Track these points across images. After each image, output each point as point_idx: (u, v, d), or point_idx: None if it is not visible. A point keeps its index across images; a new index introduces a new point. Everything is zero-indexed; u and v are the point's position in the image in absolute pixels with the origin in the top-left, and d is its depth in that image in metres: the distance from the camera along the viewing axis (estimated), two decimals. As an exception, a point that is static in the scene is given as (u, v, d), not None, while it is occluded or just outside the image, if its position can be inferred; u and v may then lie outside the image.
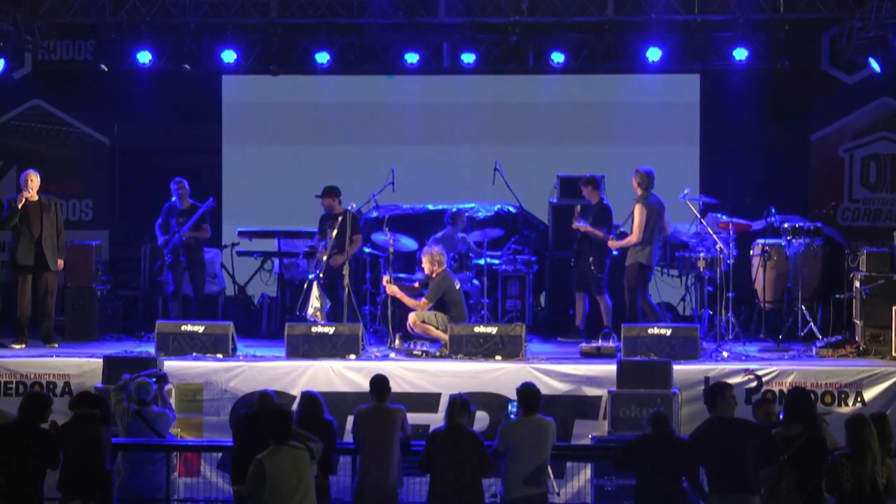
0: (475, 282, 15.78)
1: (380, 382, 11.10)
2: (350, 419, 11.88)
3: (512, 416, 11.29)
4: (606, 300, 15.26)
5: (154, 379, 12.44)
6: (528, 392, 10.84)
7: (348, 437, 11.70)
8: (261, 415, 10.68)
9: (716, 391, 10.33)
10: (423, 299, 14.54)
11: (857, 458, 9.40)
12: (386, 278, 14.77)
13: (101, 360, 13.38)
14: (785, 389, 13.04)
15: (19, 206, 14.66)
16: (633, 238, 14.89)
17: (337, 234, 14.80)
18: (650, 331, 14.07)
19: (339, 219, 14.87)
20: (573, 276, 15.55)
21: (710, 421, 10.23)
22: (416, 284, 14.82)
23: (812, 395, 12.96)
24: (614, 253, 15.27)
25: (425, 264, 14.69)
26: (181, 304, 15.56)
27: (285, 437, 9.49)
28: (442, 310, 14.50)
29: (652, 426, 10.39)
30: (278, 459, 9.34)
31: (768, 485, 9.96)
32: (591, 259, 15.20)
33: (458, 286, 14.76)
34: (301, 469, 9.40)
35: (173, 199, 15.66)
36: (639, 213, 14.89)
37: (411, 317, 14.51)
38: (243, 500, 10.54)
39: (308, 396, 11.14)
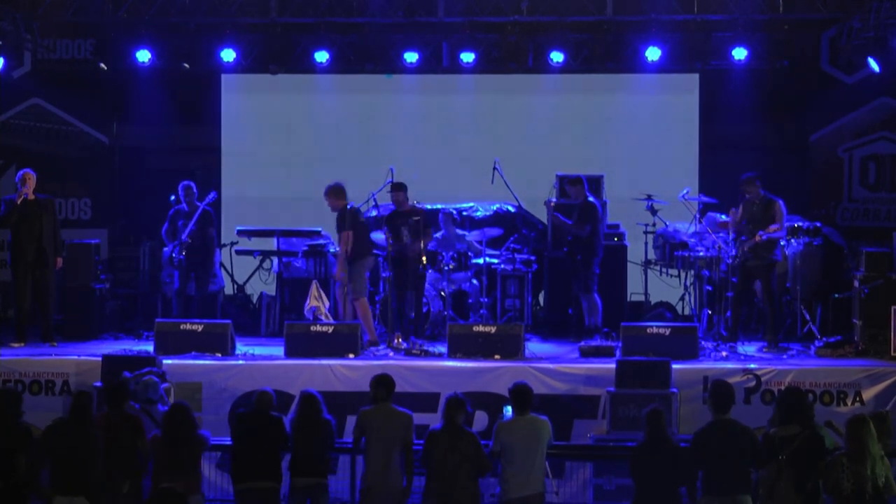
0: (474, 281, 15.78)
1: (382, 382, 11.02)
2: (349, 418, 11.87)
3: (505, 418, 11.26)
4: (596, 299, 15.24)
5: (156, 378, 12.41)
6: (520, 391, 10.76)
7: (348, 437, 11.68)
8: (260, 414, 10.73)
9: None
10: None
11: (857, 457, 9.39)
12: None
13: (100, 358, 13.37)
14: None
15: (18, 203, 14.65)
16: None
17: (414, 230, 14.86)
18: (649, 330, 14.08)
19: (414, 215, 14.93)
20: (572, 277, 15.54)
21: (712, 424, 10.17)
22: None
23: (809, 395, 13.03)
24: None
25: None
26: (183, 303, 15.55)
27: None
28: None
29: (646, 424, 10.31)
30: None
31: (766, 484, 9.92)
32: (579, 258, 15.19)
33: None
34: None
35: (181, 202, 15.56)
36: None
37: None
38: (245, 499, 10.61)
39: (307, 395, 11.11)
